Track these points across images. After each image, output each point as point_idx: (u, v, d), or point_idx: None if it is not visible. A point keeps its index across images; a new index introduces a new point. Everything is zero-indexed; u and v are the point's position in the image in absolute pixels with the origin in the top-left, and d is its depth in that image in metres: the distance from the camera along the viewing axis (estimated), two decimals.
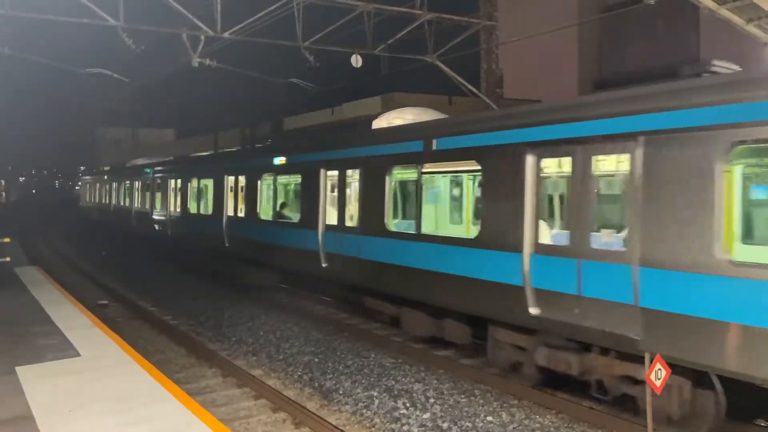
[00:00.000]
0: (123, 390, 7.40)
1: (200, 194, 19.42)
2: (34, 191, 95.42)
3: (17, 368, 8.27)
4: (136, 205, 26.36)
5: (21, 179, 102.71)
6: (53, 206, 58.86)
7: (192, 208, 20.01)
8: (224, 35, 14.30)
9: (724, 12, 11.61)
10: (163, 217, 22.42)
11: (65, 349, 9.26)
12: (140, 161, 30.32)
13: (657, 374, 5.81)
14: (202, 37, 14.44)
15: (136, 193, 26.45)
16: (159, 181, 23.31)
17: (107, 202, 32.41)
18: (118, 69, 17.75)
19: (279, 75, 18.91)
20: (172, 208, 21.71)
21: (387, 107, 26.81)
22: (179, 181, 21.20)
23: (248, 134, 38.09)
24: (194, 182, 19.99)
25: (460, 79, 17.03)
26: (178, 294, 17.18)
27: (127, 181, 28.18)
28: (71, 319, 11.47)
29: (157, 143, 55.79)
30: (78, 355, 8.98)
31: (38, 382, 7.70)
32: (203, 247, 19.04)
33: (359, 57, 15.75)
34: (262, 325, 13.24)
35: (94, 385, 7.57)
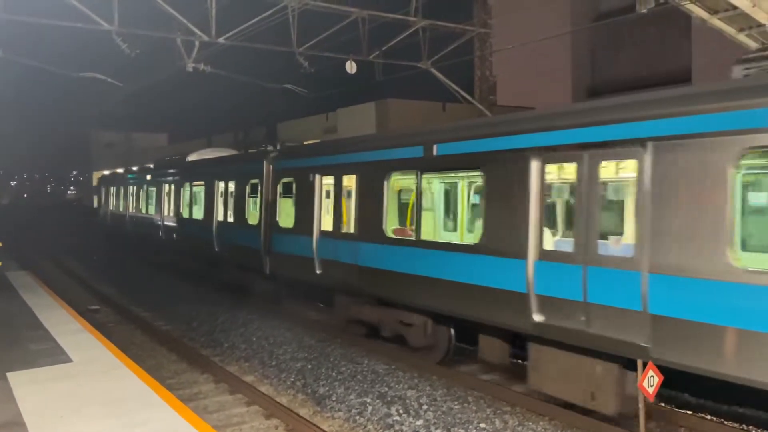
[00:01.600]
0: (115, 396, 7.36)
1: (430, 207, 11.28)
2: (26, 195, 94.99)
3: (8, 374, 8.21)
4: (221, 217, 17.05)
5: (12, 183, 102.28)
6: (48, 209, 58.36)
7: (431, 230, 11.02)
8: (219, 40, 14.32)
9: (716, 21, 11.73)
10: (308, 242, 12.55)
11: (57, 355, 9.20)
12: (209, 153, 21.22)
13: (649, 381, 5.84)
14: (197, 42, 14.46)
15: (216, 199, 17.30)
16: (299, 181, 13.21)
17: (155, 212, 22.85)
18: (112, 73, 17.73)
19: (273, 80, 18.94)
20: (325, 228, 12.35)
21: (381, 113, 26.94)
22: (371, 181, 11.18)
23: (241, 139, 38.09)
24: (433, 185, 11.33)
25: (453, 85, 17.11)
26: (171, 299, 17.10)
27: (203, 183, 18.38)
28: (63, 324, 11.40)
29: (150, 147, 55.65)
30: (70, 360, 8.93)
31: (30, 388, 7.65)
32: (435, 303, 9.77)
33: (354, 63, 15.81)
34: (255, 331, 13.19)
35: (86, 391, 7.53)
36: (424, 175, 10.07)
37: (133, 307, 16.38)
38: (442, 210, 11.45)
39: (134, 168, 31.59)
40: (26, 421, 6.55)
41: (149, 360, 11.09)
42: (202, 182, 18.38)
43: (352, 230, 11.45)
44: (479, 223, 8.94)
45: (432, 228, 11.01)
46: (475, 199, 10.57)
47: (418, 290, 9.75)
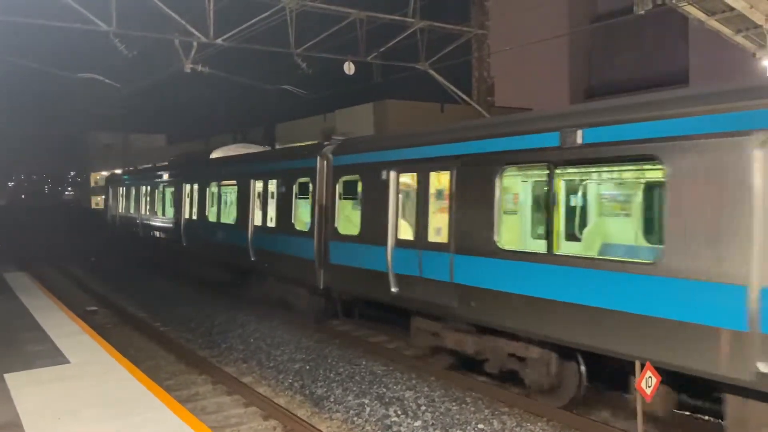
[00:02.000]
0: (112, 397, 7.35)
1: None
2: (23, 196, 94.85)
3: (6, 375, 8.20)
4: (258, 222, 14.85)
5: (10, 184, 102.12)
6: (45, 210, 58.01)
7: None
8: (217, 41, 14.32)
9: (713, 23, 11.76)
10: None
11: (54, 356, 9.18)
12: (236, 149, 19.14)
13: (647, 382, 5.85)
14: (195, 43, 14.46)
15: (252, 201, 15.08)
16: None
17: (174, 215, 20.47)
18: (110, 74, 17.72)
19: (271, 81, 18.94)
20: None
21: (379, 114, 26.95)
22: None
23: (240, 140, 38.07)
24: None
25: (451, 87, 17.13)
26: (169, 300, 17.09)
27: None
28: (60, 325, 11.38)
29: (149, 148, 55.61)
30: (67, 362, 8.92)
31: (27, 389, 7.63)
32: None
33: (352, 64, 15.82)
34: (252, 332, 13.19)
35: (83, 393, 7.52)
36: (559, 170, 7.84)
37: (131, 309, 16.36)
38: (589, 214, 9.08)
39: (146, 166, 28.92)
40: (23, 423, 6.54)
41: (147, 361, 11.07)
42: (233, 181, 16.17)
43: (445, 240, 9.20)
44: (656, 234, 6.99)
45: (572, 239, 8.92)
46: (649, 200, 8.38)
47: (549, 318, 7.60)
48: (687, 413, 8.15)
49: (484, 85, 21.64)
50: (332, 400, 9.14)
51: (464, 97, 18.09)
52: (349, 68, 16.00)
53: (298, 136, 33.87)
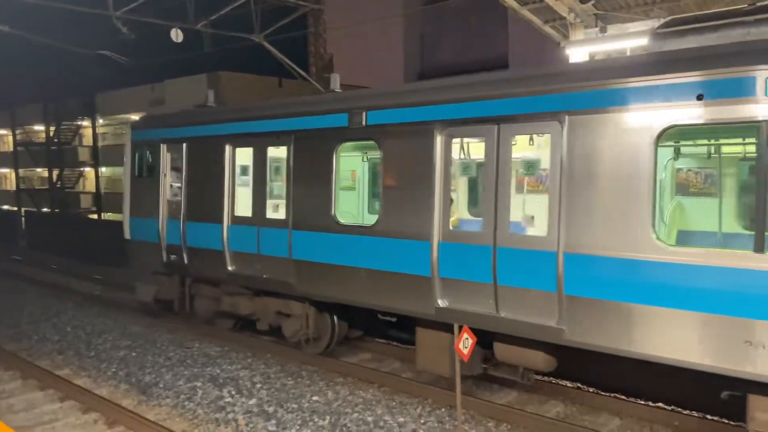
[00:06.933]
0: None
1: None
2: None
3: None
4: None
5: None
6: None
7: None
8: None
9: (525, 12, 12.78)
10: None
11: None
12: None
13: (464, 343, 6.32)
14: None
15: None
16: None
17: None
18: None
19: (89, 46, 17.18)
20: None
21: (213, 85, 25.81)
22: None
23: (52, 110, 34.24)
24: None
25: (287, 60, 16.84)
26: None
27: None
28: None
29: None
30: None
31: None
32: None
33: (179, 32, 14.84)
34: (70, 321, 12.11)
35: None
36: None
37: None
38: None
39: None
40: None
41: None
42: None
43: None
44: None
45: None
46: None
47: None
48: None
49: (320, 61, 21.65)
50: (161, 386, 8.72)
51: (300, 72, 17.88)
52: (176, 35, 14.99)
53: (123, 108, 31.46)
